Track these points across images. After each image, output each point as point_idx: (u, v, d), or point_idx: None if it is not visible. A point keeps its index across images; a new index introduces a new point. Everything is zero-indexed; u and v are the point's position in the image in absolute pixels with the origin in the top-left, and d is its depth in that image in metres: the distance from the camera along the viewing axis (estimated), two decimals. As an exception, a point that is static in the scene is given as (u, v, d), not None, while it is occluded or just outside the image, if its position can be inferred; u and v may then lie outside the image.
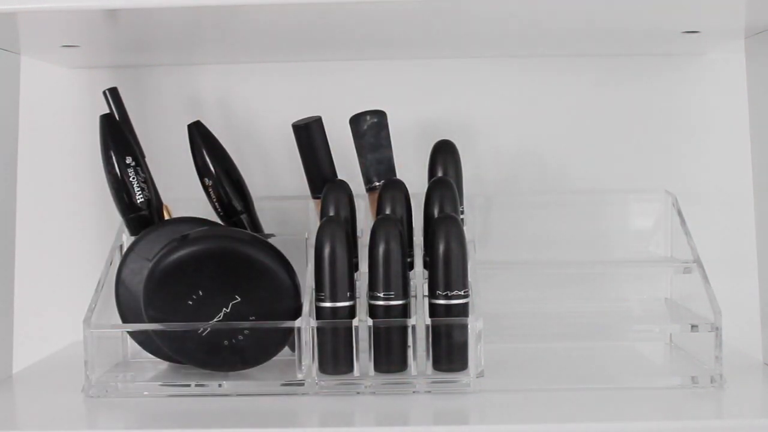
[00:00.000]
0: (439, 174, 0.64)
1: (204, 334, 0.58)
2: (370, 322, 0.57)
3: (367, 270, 0.58)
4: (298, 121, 0.64)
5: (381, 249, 0.57)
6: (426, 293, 0.59)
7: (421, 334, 0.57)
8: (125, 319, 0.62)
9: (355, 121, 0.64)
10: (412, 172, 0.66)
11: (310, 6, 0.51)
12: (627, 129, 0.76)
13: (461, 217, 0.63)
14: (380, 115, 0.64)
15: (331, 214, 0.61)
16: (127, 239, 0.65)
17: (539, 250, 0.72)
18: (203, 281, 0.58)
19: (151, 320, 0.58)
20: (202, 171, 0.64)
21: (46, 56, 0.71)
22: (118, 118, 0.66)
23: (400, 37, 0.65)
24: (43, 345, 0.73)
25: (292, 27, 0.59)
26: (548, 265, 0.70)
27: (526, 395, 0.56)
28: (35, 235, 0.76)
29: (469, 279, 0.58)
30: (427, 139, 0.67)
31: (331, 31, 0.61)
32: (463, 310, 0.57)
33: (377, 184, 0.64)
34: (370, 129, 0.64)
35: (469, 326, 0.57)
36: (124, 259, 0.63)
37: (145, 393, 0.58)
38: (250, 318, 0.58)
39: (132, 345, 0.65)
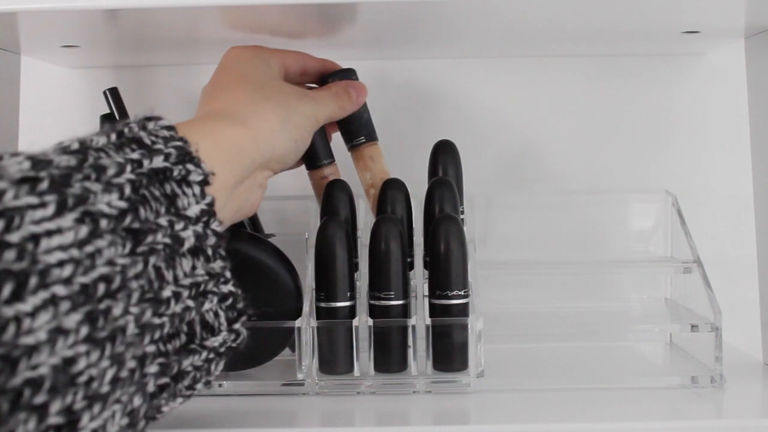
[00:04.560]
0: (439, 174, 0.64)
1: (204, 334, 0.58)
2: (370, 322, 0.57)
3: (367, 270, 0.58)
4: None
5: (381, 249, 0.57)
6: (426, 293, 0.59)
7: (421, 334, 0.57)
8: (125, 319, 0.62)
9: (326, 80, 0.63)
10: (412, 172, 0.66)
11: (309, 7, 0.51)
12: (627, 129, 0.76)
13: (461, 217, 0.63)
14: (351, 73, 0.63)
15: (331, 214, 0.61)
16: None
17: (539, 250, 0.72)
18: (203, 281, 0.58)
19: (151, 320, 0.58)
20: (202, 171, 0.64)
21: (46, 56, 0.71)
22: (118, 118, 0.66)
23: (400, 37, 0.65)
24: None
25: (292, 27, 0.59)
26: (548, 265, 0.70)
27: (526, 395, 0.56)
28: (35, 235, 0.75)
29: (469, 279, 0.58)
30: (427, 139, 0.67)
31: (330, 31, 0.61)
32: (463, 310, 0.57)
33: (362, 140, 0.63)
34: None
35: (469, 326, 0.57)
36: (124, 259, 0.62)
37: (145, 393, 0.58)
38: (252, 318, 0.58)
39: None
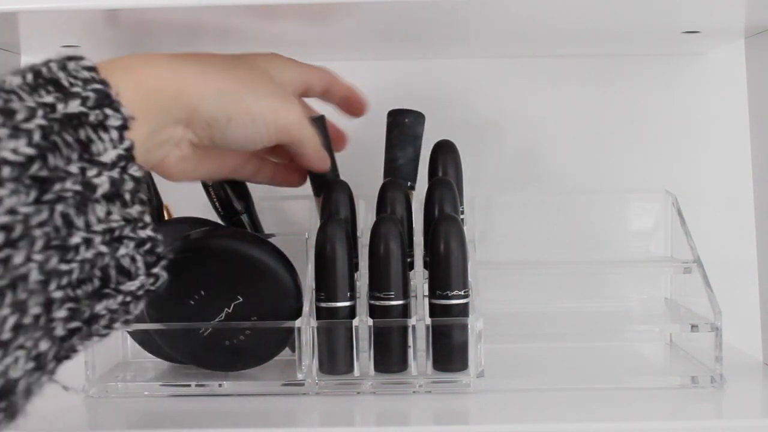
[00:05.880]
0: (439, 174, 0.64)
1: (205, 334, 0.58)
2: (370, 322, 0.57)
3: (367, 270, 0.58)
4: None
5: (381, 249, 0.57)
6: (426, 293, 0.59)
7: (421, 334, 0.57)
8: (125, 319, 0.62)
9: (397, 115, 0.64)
10: (412, 172, 0.66)
11: (308, 7, 0.51)
12: (627, 129, 0.76)
13: (461, 217, 0.63)
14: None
15: (332, 214, 0.61)
16: (127, 239, 0.65)
17: (539, 250, 0.72)
18: (205, 281, 0.58)
19: (152, 320, 0.58)
20: (202, 171, 0.64)
21: (46, 56, 0.71)
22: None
23: (400, 37, 0.65)
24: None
25: (292, 27, 0.59)
26: (548, 265, 0.70)
27: (526, 395, 0.56)
28: (35, 235, 0.75)
29: (469, 279, 0.58)
30: (428, 139, 0.67)
31: (330, 31, 0.61)
32: (463, 310, 0.57)
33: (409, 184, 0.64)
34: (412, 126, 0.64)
35: (469, 326, 0.57)
36: (125, 259, 0.62)
37: (146, 393, 0.58)
38: (252, 318, 0.58)
39: (132, 345, 0.65)
